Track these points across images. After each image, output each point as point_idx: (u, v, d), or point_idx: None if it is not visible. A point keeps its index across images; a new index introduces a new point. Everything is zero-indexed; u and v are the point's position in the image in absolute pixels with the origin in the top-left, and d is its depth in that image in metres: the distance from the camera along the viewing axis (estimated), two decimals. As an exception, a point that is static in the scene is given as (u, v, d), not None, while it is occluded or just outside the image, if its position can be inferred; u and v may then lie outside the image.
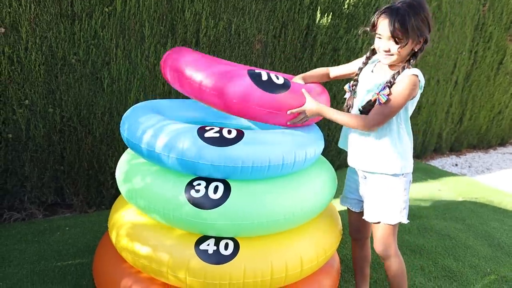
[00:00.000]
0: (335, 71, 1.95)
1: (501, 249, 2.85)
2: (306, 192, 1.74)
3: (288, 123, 1.76)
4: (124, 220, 1.87)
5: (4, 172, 2.62)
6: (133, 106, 1.94)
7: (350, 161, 1.87)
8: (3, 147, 2.56)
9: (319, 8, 3.43)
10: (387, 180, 1.76)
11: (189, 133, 1.58)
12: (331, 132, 3.94)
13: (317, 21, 3.45)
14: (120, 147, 2.92)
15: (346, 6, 3.54)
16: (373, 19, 1.67)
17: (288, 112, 1.69)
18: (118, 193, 3.02)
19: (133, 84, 2.85)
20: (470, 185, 4.18)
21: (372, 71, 1.80)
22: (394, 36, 1.59)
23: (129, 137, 1.75)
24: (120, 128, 1.84)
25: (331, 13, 3.49)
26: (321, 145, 1.86)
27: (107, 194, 3.01)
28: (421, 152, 5.05)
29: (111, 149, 2.90)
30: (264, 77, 1.67)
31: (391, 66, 1.72)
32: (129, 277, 1.82)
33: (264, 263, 1.66)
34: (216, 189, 1.60)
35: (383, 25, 1.61)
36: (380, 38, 1.65)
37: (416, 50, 1.65)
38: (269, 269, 1.66)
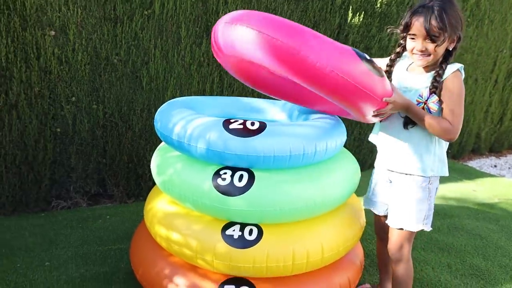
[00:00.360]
0: None
1: (535, 250, 2.79)
2: (328, 182, 1.82)
3: (373, 114, 1.64)
4: (158, 209, 2.01)
5: (52, 163, 2.86)
6: (167, 102, 2.09)
7: (380, 161, 1.88)
8: (52, 140, 2.79)
9: (351, 7, 3.47)
10: (415, 184, 1.75)
11: (215, 126, 1.70)
12: (363, 130, 3.96)
13: (348, 20, 3.50)
14: (157, 142, 3.09)
15: (378, 5, 3.57)
16: (405, 20, 1.64)
17: (384, 99, 1.56)
18: (155, 185, 3.20)
19: (170, 83, 3.02)
20: (508, 186, 4.08)
21: (407, 69, 1.78)
22: (431, 34, 1.56)
23: (161, 129, 1.89)
24: (154, 121, 1.99)
25: (363, 12, 3.52)
26: (343, 137, 1.92)
27: (145, 186, 3.20)
28: (457, 153, 4.96)
29: (149, 144, 3.09)
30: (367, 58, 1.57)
31: (425, 67, 1.69)
32: (163, 260, 1.97)
33: (286, 249, 1.75)
34: (241, 177, 1.71)
35: (418, 24, 1.58)
36: (413, 39, 1.63)
37: (450, 49, 1.63)
38: (290, 255, 1.75)
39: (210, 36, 3.00)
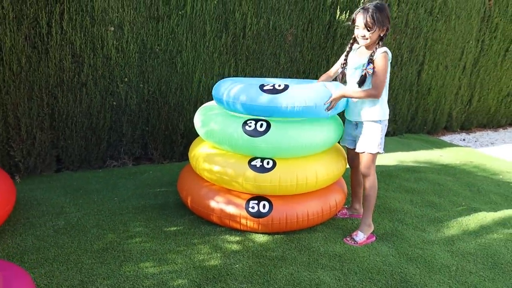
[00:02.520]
0: (332, 71, 2.83)
1: (479, 192, 3.66)
2: (321, 131, 2.68)
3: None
4: (201, 152, 2.86)
5: (109, 129, 3.70)
6: (219, 81, 2.94)
7: (348, 116, 2.76)
8: (109, 111, 3.63)
9: (339, 7, 4.32)
10: (370, 125, 2.64)
11: (254, 87, 2.58)
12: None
13: (337, 17, 4.35)
14: (187, 114, 3.94)
15: (361, 5, 4.41)
16: (353, 16, 2.52)
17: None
18: (185, 150, 4.05)
19: (197, 67, 3.86)
20: (470, 153, 4.95)
21: (355, 55, 2.68)
22: (366, 26, 2.45)
23: (215, 94, 2.76)
24: (212, 91, 2.84)
25: (349, 10, 4.37)
26: (343, 102, 2.76)
27: (177, 150, 4.05)
28: (432, 129, 5.82)
29: (181, 116, 3.93)
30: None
31: (368, 48, 2.57)
32: (205, 188, 2.82)
33: (291, 174, 2.61)
34: (261, 125, 2.57)
35: (359, 19, 2.47)
36: (357, 28, 2.49)
37: (381, 35, 2.51)
38: (295, 178, 2.61)
39: (228, 31, 3.84)
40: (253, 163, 2.64)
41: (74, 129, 3.53)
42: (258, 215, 2.62)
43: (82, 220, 2.80)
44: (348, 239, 2.72)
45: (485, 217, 3.14)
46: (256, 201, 2.67)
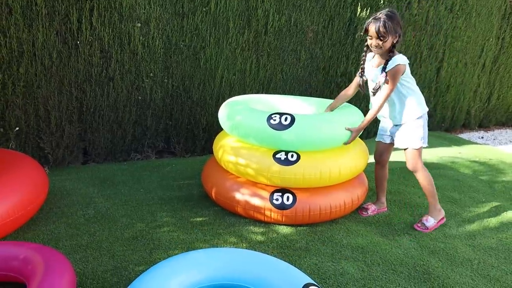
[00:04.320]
0: (350, 89, 2.90)
1: (499, 189, 3.67)
2: (344, 124, 2.74)
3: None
4: (227, 145, 2.94)
5: (134, 123, 3.80)
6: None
7: (391, 119, 2.82)
8: (135, 105, 3.73)
9: (359, 4, 4.36)
10: (412, 123, 2.72)
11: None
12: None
13: (357, 14, 4.38)
14: (210, 109, 4.02)
15: (382, 2, 4.44)
16: (365, 26, 2.56)
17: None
18: (206, 144, 4.14)
19: (220, 63, 3.93)
20: (488, 150, 4.95)
21: (372, 66, 2.72)
22: (379, 35, 2.49)
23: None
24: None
25: (369, 7, 4.40)
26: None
27: (198, 144, 4.13)
28: (450, 126, 5.82)
29: (203, 110, 4.01)
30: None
31: (382, 56, 2.63)
32: (230, 180, 2.89)
33: (315, 168, 2.67)
34: (286, 119, 2.63)
35: (372, 29, 2.51)
36: (370, 38, 2.54)
37: (394, 42, 2.55)
38: (318, 172, 2.67)
39: (251, 28, 3.90)
40: (277, 156, 2.71)
41: (101, 122, 3.63)
42: (282, 207, 2.69)
43: (111, 210, 2.90)
44: (419, 225, 2.86)
45: (506, 213, 3.16)
46: (280, 194, 2.74)
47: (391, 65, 2.56)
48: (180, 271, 1.88)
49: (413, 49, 5.00)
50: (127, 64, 3.56)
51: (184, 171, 3.75)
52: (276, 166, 2.67)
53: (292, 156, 2.70)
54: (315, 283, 1.91)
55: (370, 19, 2.55)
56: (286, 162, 2.67)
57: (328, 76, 4.57)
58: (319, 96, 4.60)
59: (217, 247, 2.50)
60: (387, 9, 2.56)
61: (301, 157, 2.69)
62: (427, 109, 2.78)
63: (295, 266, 2.33)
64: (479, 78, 5.82)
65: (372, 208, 3.07)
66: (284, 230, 2.74)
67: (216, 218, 2.87)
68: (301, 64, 4.36)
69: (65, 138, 3.54)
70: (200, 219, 2.84)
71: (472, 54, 5.54)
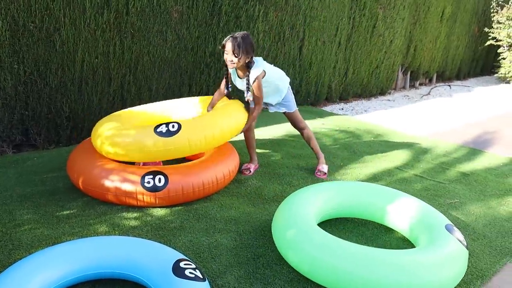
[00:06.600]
0: (221, 89, 3.19)
1: (354, 153, 4.14)
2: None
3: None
4: (107, 129, 2.83)
5: (-19, 115, 3.37)
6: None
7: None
8: None
9: (222, -16, 4.42)
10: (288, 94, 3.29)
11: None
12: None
13: (221, -5, 4.45)
14: (72, 95, 3.75)
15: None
16: (223, 42, 2.85)
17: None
18: (72, 133, 3.88)
19: (79, 46, 3.68)
20: (347, 120, 5.51)
21: (237, 76, 3.08)
22: (233, 52, 2.81)
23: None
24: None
25: (232, -12, 4.50)
26: None
27: (63, 134, 3.85)
28: (315, 100, 6.32)
29: (65, 97, 3.73)
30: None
31: (240, 71, 3.01)
32: (98, 168, 2.77)
33: (199, 133, 2.77)
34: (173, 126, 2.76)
35: (228, 46, 2.83)
36: (227, 53, 2.85)
37: (247, 61, 2.91)
38: (203, 135, 2.78)
39: (110, 7, 3.70)
40: (159, 130, 2.72)
41: None
42: (154, 189, 2.68)
43: (-42, 215, 2.58)
44: (318, 173, 3.42)
45: (359, 173, 3.58)
46: (151, 176, 2.71)
47: (251, 82, 2.94)
48: (41, 268, 1.77)
49: (277, 29, 5.27)
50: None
51: (47, 163, 3.47)
52: (160, 140, 2.68)
53: (173, 126, 2.72)
54: (187, 258, 1.96)
55: (228, 37, 2.85)
56: (168, 134, 2.70)
57: (197, 57, 4.60)
58: (190, 77, 4.61)
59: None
60: (243, 32, 2.89)
61: (182, 126, 2.74)
62: (289, 79, 3.27)
63: (169, 246, 2.36)
64: (337, 55, 6.39)
65: (252, 166, 3.42)
66: (159, 212, 2.74)
67: (85, 209, 2.73)
68: (168, 45, 4.30)
69: None
70: (67, 212, 2.68)
71: (329, 33, 6.04)
